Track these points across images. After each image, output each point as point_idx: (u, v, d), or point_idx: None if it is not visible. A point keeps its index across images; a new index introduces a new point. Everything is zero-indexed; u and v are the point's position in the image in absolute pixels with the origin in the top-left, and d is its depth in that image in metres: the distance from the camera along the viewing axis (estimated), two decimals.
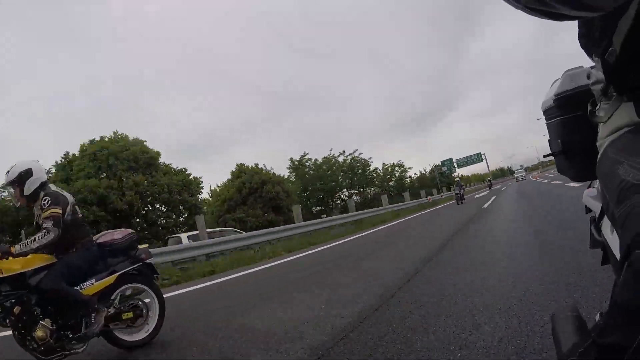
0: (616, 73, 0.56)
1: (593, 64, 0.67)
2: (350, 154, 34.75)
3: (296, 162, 32.81)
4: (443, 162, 45.60)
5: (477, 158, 44.98)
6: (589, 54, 0.65)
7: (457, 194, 19.95)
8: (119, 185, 18.30)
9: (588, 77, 0.72)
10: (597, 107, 0.67)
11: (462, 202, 19.30)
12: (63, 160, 20.20)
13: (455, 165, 44.18)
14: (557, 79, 1.03)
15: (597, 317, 0.72)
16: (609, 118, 0.62)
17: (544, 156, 1.19)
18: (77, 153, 19.86)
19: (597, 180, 0.84)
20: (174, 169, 21.72)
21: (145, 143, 20.65)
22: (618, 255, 0.51)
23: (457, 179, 21.65)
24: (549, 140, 1.11)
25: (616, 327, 0.39)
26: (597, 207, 0.80)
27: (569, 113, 0.96)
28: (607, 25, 0.52)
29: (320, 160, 33.56)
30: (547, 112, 1.05)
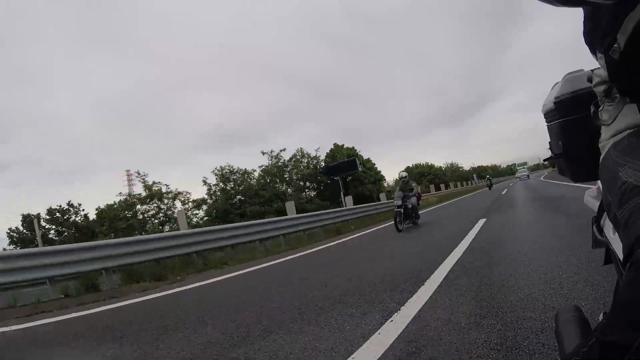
0: (619, 71, 0.56)
1: (595, 66, 0.68)
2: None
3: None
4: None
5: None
6: (593, 51, 0.64)
7: (399, 207, 8.10)
8: None
9: (589, 80, 0.72)
10: (601, 109, 0.67)
11: (408, 224, 8.52)
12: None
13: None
14: (557, 82, 1.03)
15: (601, 317, 0.73)
16: (613, 120, 0.62)
17: (544, 160, 1.20)
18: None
19: (598, 181, 0.85)
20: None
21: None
22: (620, 256, 0.51)
23: (403, 173, 9.07)
24: (549, 143, 1.12)
25: (620, 326, 0.39)
26: (598, 207, 0.81)
27: (569, 115, 0.96)
28: (612, 21, 0.53)
29: None
30: (548, 115, 1.06)
